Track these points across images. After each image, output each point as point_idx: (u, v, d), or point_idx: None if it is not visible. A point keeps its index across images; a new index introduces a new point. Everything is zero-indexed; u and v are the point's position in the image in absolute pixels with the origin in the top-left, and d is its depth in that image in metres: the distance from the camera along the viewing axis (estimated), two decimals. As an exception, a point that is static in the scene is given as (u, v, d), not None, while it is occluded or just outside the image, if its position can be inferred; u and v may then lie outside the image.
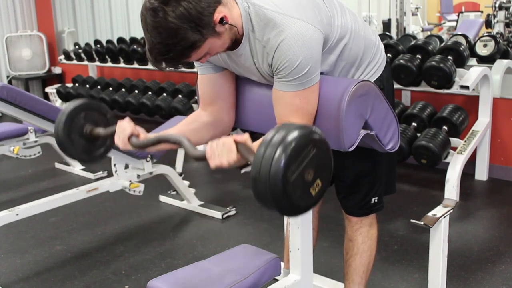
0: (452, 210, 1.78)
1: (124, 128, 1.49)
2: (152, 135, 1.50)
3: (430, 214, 1.75)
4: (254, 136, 4.44)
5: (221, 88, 1.60)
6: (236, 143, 1.25)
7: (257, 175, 1.10)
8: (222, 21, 1.30)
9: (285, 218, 2.04)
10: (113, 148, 1.68)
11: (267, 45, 1.37)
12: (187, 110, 4.79)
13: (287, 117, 1.41)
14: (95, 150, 1.69)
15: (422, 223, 1.71)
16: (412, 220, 1.75)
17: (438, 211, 1.76)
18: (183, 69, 5.03)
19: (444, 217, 1.74)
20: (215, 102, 1.61)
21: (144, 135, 1.50)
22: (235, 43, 1.41)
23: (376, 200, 1.75)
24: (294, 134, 1.11)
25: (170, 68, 1.35)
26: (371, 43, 1.61)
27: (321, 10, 1.43)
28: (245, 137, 1.26)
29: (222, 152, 1.25)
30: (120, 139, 1.50)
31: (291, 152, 1.09)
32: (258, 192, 1.12)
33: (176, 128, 1.59)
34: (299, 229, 1.70)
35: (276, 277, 1.73)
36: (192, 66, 1.62)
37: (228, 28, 1.34)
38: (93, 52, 5.92)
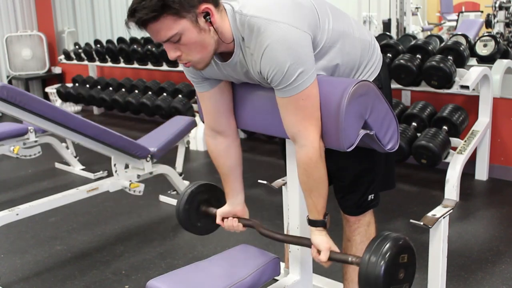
0: (452, 210, 1.78)
1: (236, 229, 1.75)
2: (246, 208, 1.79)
3: (429, 214, 1.74)
4: (254, 136, 4.44)
5: (221, 102, 1.62)
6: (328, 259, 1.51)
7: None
8: (206, 15, 1.31)
9: (285, 217, 2.04)
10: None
11: (254, 52, 1.37)
12: (187, 110, 4.79)
13: (298, 123, 1.41)
14: (213, 223, 1.83)
15: (421, 223, 1.70)
16: (411, 221, 1.74)
17: (438, 211, 1.76)
18: (182, 69, 5.04)
19: (444, 218, 1.74)
20: (219, 122, 1.66)
21: (244, 215, 1.79)
22: (227, 54, 1.42)
23: (372, 197, 1.75)
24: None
25: (136, 27, 1.30)
26: (367, 44, 1.61)
27: (306, 13, 1.41)
28: (324, 248, 1.51)
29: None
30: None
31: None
32: None
33: (228, 177, 1.75)
34: (299, 229, 1.70)
35: (276, 277, 1.73)
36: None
37: (212, 32, 1.34)
38: (93, 52, 5.92)
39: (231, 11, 1.38)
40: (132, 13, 1.28)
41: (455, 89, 3.34)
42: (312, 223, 1.54)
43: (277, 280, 1.75)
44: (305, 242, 1.60)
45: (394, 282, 1.38)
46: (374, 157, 1.67)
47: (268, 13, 1.35)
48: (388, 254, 1.35)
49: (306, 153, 1.43)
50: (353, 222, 1.79)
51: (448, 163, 3.19)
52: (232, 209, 1.75)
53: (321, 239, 1.51)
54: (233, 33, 1.38)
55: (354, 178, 1.72)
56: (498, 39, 3.68)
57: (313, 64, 1.39)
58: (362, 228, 1.79)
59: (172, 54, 1.36)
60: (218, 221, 1.76)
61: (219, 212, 1.76)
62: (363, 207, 1.76)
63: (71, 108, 6.45)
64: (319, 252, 1.51)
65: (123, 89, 5.64)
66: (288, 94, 1.38)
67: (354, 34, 1.55)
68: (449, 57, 3.37)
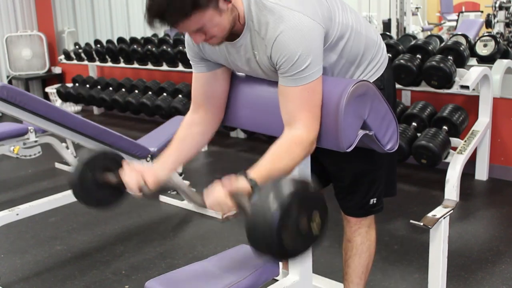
0: (452, 211, 1.78)
1: (130, 184, 1.50)
2: (159, 182, 1.52)
3: (430, 214, 1.74)
4: (254, 136, 4.41)
5: (212, 88, 1.61)
6: (230, 194, 1.29)
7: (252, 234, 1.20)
8: None
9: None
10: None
11: (265, 37, 1.37)
12: (187, 110, 4.75)
13: (296, 112, 1.40)
14: (112, 196, 1.66)
15: (421, 224, 1.70)
16: (411, 221, 1.74)
17: (438, 211, 1.76)
18: (182, 69, 5.05)
19: (444, 218, 1.74)
20: (205, 103, 1.63)
21: (152, 180, 1.50)
22: (234, 34, 1.41)
23: (375, 202, 1.74)
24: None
25: (165, 29, 1.32)
26: (372, 42, 1.61)
27: (321, 5, 1.43)
28: (238, 186, 1.30)
29: (218, 207, 1.32)
30: (132, 192, 1.53)
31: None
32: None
33: (173, 148, 1.62)
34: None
35: (276, 278, 1.72)
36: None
37: (230, 10, 1.34)
38: (93, 52, 5.92)
39: None
40: (162, 17, 1.27)
41: (455, 89, 3.34)
42: (247, 178, 1.32)
43: (276, 280, 1.75)
44: (200, 200, 1.37)
45: (291, 236, 1.13)
46: (374, 158, 1.67)
47: (285, 1, 1.36)
48: (289, 199, 1.10)
49: (299, 135, 1.39)
50: (354, 223, 1.78)
51: (448, 163, 3.19)
52: (147, 169, 1.52)
53: (245, 183, 1.32)
54: (245, 15, 1.38)
55: (354, 179, 1.72)
56: (498, 39, 3.68)
57: (321, 59, 1.39)
58: (363, 229, 1.79)
59: (198, 40, 1.37)
60: (124, 167, 1.53)
61: (131, 163, 1.55)
62: (365, 209, 1.76)
63: (71, 108, 6.45)
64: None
65: (123, 89, 5.63)
66: (294, 84, 1.38)
67: (361, 31, 1.56)
68: (449, 57, 3.37)
